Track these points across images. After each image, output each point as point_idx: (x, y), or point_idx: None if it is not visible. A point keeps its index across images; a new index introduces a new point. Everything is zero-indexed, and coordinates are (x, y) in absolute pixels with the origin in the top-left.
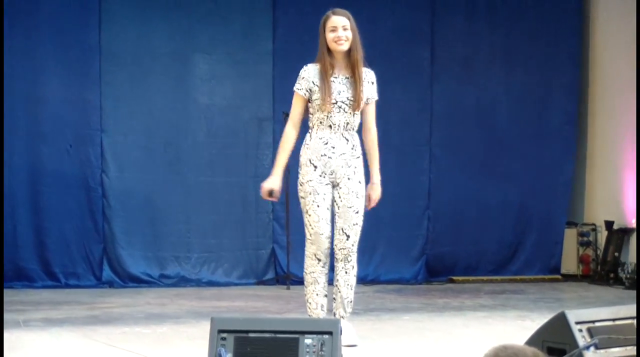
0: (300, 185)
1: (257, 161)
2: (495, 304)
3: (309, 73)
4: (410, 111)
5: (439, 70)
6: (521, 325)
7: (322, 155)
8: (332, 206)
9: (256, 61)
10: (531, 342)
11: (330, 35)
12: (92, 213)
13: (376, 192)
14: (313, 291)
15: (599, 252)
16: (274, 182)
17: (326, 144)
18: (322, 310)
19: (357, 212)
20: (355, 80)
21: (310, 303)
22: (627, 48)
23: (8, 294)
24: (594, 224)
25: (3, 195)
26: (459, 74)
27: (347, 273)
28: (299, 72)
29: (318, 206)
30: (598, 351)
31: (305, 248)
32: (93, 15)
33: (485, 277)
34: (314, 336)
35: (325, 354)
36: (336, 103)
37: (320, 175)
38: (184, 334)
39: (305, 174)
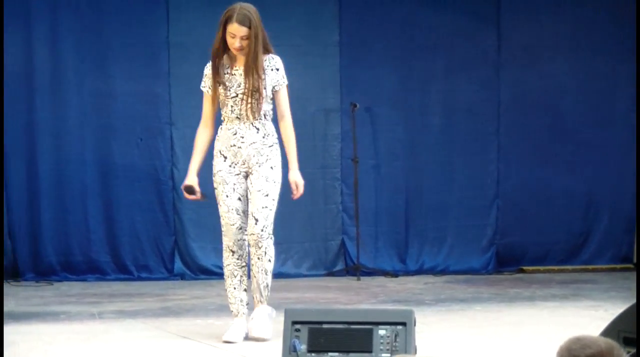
0: (213, 176)
1: (324, 153)
2: (567, 294)
3: (210, 70)
4: (477, 100)
5: (505, 59)
6: (594, 315)
7: (231, 146)
8: (246, 195)
9: (322, 53)
10: (607, 332)
11: (229, 40)
12: (162, 206)
13: (297, 177)
14: (230, 284)
15: None
16: (190, 180)
17: (235, 134)
18: (241, 304)
19: (267, 195)
20: (253, 71)
21: (229, 298)
22: None
23: (81, 287)
24: None
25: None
26: (525, 62)
27: (260, 259)
28: (365, 62)
29: (227, 196)
30: None
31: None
32: (161, 9)
33: (555, 267)
34: (388, 326)
35: (399, 345)
36: (237, 96)
37: (230, 166)
38: None
39: (216, 165)
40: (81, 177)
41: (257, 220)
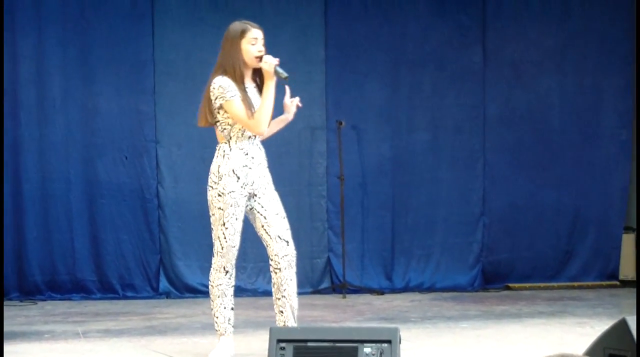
0: (220, 195)
1: (310, 170)
2: (554, 311)
3: (231, 83)
4: (463, 117)
5: (491, 75)
6: (580, 332)
7: (243, 166)
8: (249, 216)
9: (308, 70)
10: (592, 349)
11: (252, 48)
12: (148, 224)
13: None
14: (221, 304)
15: None
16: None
17: (247, 154)
18: (229, 324)
19: (284, 218)
20: (261, 89)
21: (217, 317)
22: None
23: (66, 306)
24: None
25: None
26: (511, 78)
27: (292, 280)
28: (351, 79)
29: (236, 219)
30: None
31: (213, 261)
32: (146, 26)
33: (542, 284)
34: (373, 344)
35: None
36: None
37: (242, 187)
38: (241, 343)
39: (227, 184)
40: (66, 195)
41: (287, 242)
